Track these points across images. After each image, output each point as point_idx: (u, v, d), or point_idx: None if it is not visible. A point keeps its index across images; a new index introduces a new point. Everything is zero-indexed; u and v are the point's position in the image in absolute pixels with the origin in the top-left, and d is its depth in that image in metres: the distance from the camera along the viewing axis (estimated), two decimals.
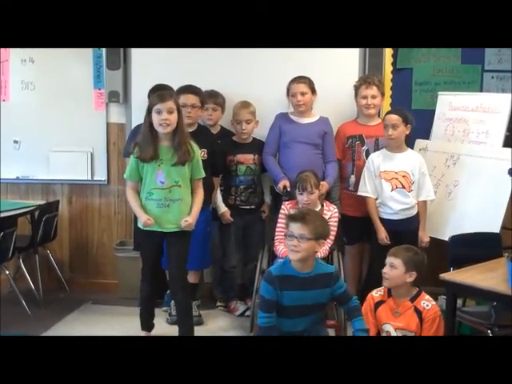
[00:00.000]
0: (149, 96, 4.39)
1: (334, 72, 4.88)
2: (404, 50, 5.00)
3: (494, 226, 4.15)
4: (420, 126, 4.44)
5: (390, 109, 4.68)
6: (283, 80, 4.61)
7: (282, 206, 4.31)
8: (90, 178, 5.27)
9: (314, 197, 4.18)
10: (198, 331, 4.07)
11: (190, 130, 4.23)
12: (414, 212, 4.35)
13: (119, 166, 5.23)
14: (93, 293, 5.16)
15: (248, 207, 4.74)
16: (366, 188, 4.38)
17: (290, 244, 3.27)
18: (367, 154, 4.56)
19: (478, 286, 3.19)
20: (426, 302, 3.43)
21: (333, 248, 4.19)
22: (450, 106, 4.72)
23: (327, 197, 4.50)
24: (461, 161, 4.54)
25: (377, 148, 4.56)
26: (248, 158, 4.69)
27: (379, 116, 4.74)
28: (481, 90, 5.00)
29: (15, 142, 5.26)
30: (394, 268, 3.44)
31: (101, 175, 5.28)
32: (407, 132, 4.30)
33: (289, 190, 4.41)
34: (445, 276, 3.34)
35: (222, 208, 4.70)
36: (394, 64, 4.96)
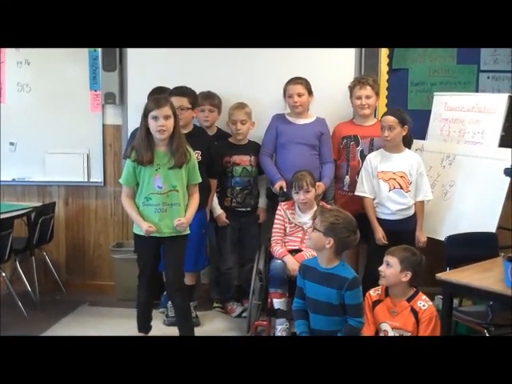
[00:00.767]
0: (148, 99, 4.39)
1: (330, 73, 4.88)
2: (400, 51, 5.01)
3: (490, 225, 4.16)
4: (416, 126, 4.44)
5: (386, 109, 4.68)
6: (280, 81, 4.62)
7: (279, 207, 4.32)
8: (86, 180, 5.27)
9: (310, 195, 4.18)
10: (195, 332, 4.07)
11: (184, 132, 4.20)
12: (411, 212, 4.35)
13: (115, 168, 5.23)
14: (89, 294, 5.15)
15: (244, 209, 4.73)
16: (363, 188, 4.38)
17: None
18: (362, 155, 4.57)
19: (475, 286, 3.19)
20: (423, 303, 3.43)
21: None
22: (446, 106, 4.73)
23: (322, 197, 4.51)
24: (457, 161, 4.55)
25: (371, 148, 4.57)
26: (244, 160, 4.69)
27: (375, 116, 4.75)
28: (476, 91, 5.01)
29: (11, 144, 5.25)
30: (390, 266, 3.45)
31: (97, 177, 5.27)
32: (404, 133, 4.30)
33: (285, 190, 4.42)
34: (441, 276, 3.35)
35: (218, 210, 4.69)
36: (389, 64, 4.97)
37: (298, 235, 4.25)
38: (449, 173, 4.57)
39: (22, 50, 5.10)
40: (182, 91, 4.40)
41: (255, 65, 4.88)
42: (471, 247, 3.85)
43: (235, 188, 4.69)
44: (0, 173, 5.20)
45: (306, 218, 4.20)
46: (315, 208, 4.18)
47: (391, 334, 3.44)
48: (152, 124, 3.70)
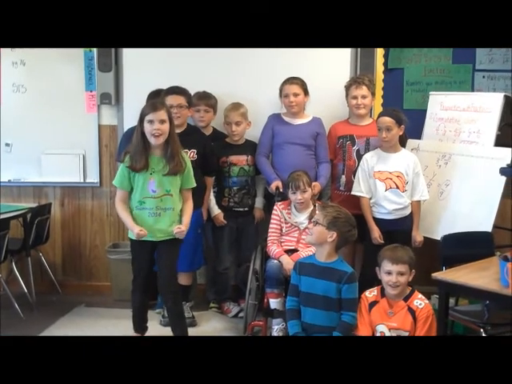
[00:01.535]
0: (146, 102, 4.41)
1: (326, 72, 4.88)
2: (395, 51, 5.02)
3: (485, 225, 4.16)
4: (411, 125, 4.44)
5: (381, 109, 4.68)
6: (276, 81, 4.62)
7: (275, 207, 4.32)
8: (82, 181, 5.26)
9: (307, 195, 4.19)
10: (192, 333, 4.07)
11: (180, 131, 4.24)
12: (407, 212, 4.35)
13: (111, 168, 5.22)
14: (86, 295, 5.16)
15: (241, 209, 4.73)
16: (360, 188, 4.38)
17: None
18: (358, 154, 4.58)
19: (471, 285, 3.18)
20: (419, 301, 3.45)
21: None
22: (442, 105, 4.73)
23: (319, 197, 4.51)
24: (452, 160, 4.55)
25: (367, 148, 4.57)
26: (241, 159, 4.69)
27: (371, 116, 4.75)
28: (472, 90, 5.02)
29: (7, 144, 5.24)
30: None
31: (93, 177, 5.27)
32: (401, 133, 4.31)
33: (281, 190, 4.42)
34: (437, 275, 3.34)
35: (216, 210, 4.69)
36: (385, 64, 4.97)
37: (294, 235, 4.25)
38: (445, 172, 4.57)
39: (17, 50, 5.09)
40: (179, 90, 4.42)
41: (251, 65, 4.88)
42: (467, 247, 3.85)
43: (233, 188, 4.68)
44: None
45: (302, 218, 4.21)
46: (311, 208, 4.19)
47: (388, 335, 3.44)
48: (147, 127, 3.69)
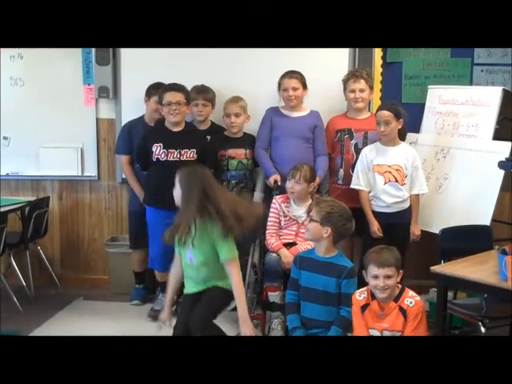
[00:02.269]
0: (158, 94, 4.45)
1: (324, 66, 4.88)
2: None
3: (484, 218, 4.17)
4: (410, 119, 4.43)
5: (380, 102, 4.69)
6: (275, 75, 4.62)
7: (273, 200, 4.32)
8: (80, 174, 5.26)
9: (298, 188, 4.19)
10: None
11: (179, 129, 4.28)
12: (406, 205, 4.35)
13: (109, 162, 5.23)
14: (84, 289, 5.16)
15: None
16: (358, 181, 4.39)
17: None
18: (356, 148, 4.58)
19: (469, 279, 3.20)
20: (410, 299, 3.31)
21: None
22: (440, 99, 4.73)
23: (317, 191, 4.51)
24: (451, 154, 4.55)
25: (365, 141, 4.57)
26: (239, 153, 4.68)
27: (369, 110, 4.75)
28: (470, 84, 5.01)
29: (5, 138, 5.24)
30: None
31: (91, 171, 5.26)
32: (400, 126, 4.31)
33: (279, 184, 4.42)
34: (435, 269, 3.35)
35: None
36: (383, 58, 4.96)
37: (292, 228, 4.25)
38: (443, 166, 4.57)
39: None
40: (178, 87, 4.39)
41: (250, 58, 4.86)
42: (465, 240, 3.86)
43: (231, 181, 4.67)
44: None
45: (300, 212, 4.21)
46: (310, 201, 4.18)
47: None
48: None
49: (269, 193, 4.61)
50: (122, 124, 4.90)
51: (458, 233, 3.96)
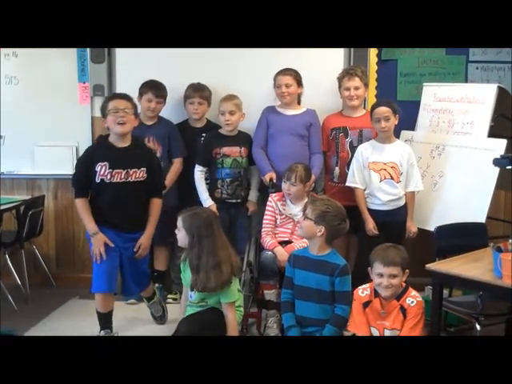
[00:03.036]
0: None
1: (319, 64, 4.87)
2: None
3: (479, 216, 4.17)
4: (405, 117, 4.45)
5: (375, 100, 4.69)
6: (270, 74, 4.62)
7: (269, 199, 4.32)
8: None
9: (294, 189, 4.19)
10: None
11: (123, 146, 3.88)
12: (401, 203, 4.36)
13: None
14: (79, 288, 5.10)
15: (234, 201, 4.70)
16: (354, 179, 4.39)
17: None
18: (351, 146, 4.58)
19: (465, 276, 3.20)
20: (411, 299, 3.37)
21: None
22: (435, 96, 4.73)
23: (312, 189, 4.51)
24: (446, 151, 4.56)
25: (361, 140, 4.58)
26: (234, 151, 4.67)
27: (364, 107, 4.75)
28: (465, 81, 5.02)
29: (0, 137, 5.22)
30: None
31: None
32: (396, 122, 4.32)
33: (275, 181, 4.42)
34: (431, 266, 3.35)
35: (209, 202, 4.67)
36: (378, 55, 4.96)
37: (288, 227, 4.26)
38: (438, 163, 4.57)
39: None
40: (124, 95, 4.01)
41: (246, 57, 4.85)
42: (461, 238, 3.86)
43: (225, 179, 4.66)
44: None
45: (296, 210, 4.20)
46: (306, 200, 4.18)
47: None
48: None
49: (264, 191, 4.61)
50: None
51: (453, 230, 3.96)
